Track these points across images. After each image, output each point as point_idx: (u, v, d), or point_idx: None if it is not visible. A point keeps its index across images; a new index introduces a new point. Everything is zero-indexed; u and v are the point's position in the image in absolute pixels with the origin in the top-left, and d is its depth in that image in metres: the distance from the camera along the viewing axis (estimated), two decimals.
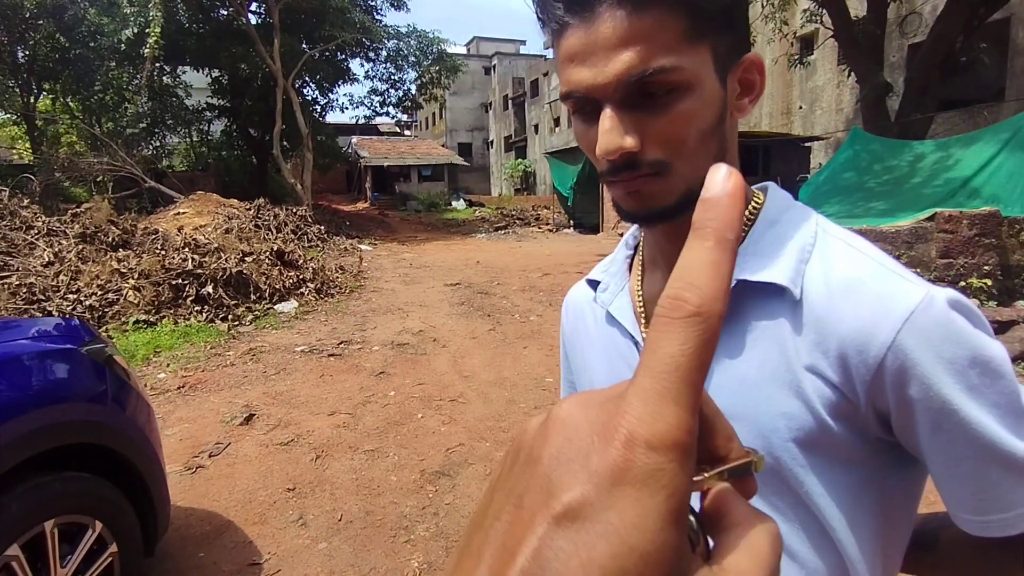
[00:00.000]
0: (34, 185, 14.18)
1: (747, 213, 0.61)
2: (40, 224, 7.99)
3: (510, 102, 37.40)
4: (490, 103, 41.03)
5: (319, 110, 23.60)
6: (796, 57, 12.79)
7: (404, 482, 3.19)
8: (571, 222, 20.30)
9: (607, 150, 0.52)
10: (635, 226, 0.73)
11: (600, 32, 0.51)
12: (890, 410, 0.51)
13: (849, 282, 0.53)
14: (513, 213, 23.98)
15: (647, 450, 0.18)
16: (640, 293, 0.68)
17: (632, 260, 0.72)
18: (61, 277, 6.62)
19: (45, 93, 20.27)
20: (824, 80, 16.02)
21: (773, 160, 14.72)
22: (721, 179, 0.21)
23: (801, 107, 16.93)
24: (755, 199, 0.62)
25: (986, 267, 5.60)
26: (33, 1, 16.59)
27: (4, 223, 7.66)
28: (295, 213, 13.98)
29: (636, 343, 0.65)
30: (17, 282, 6.32)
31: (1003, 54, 11.54)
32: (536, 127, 33.97)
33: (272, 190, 20.17)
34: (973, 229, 5.65)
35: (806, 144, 15.69)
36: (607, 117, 0.52)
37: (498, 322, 6.67)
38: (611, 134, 0.52)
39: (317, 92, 23.16)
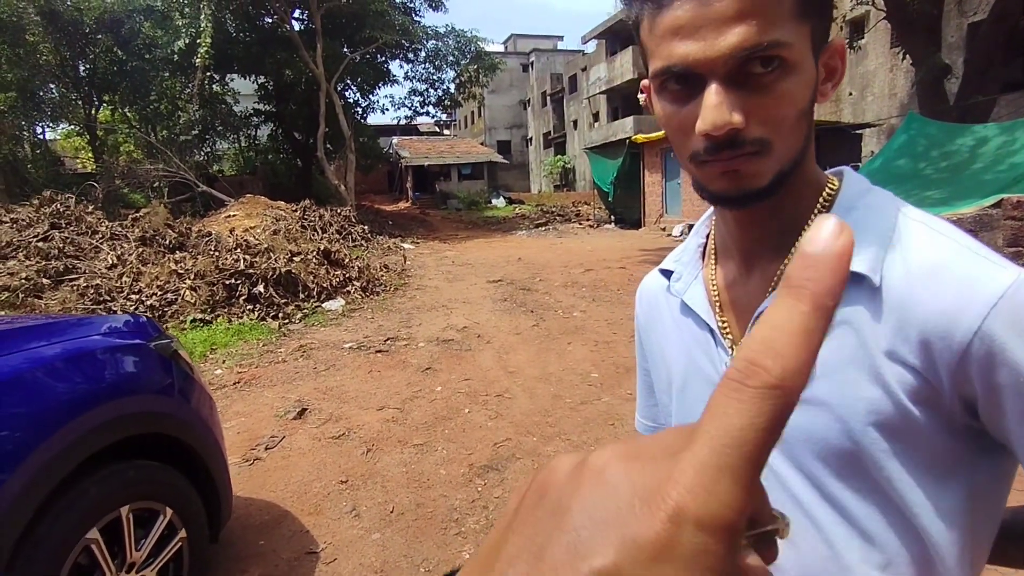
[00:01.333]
0: (97, 192, 14.95)
1: (821, 200, 0.60)
2: (104, 229, 8.41)
3: (548, 98, 37.26)
4: (528, 100, 40.93)
5: (361, 112, 24.12)
6: (846, 42, 12.32)
7: (453, 476, 3.23)
8: (612, 217, 20.09)
9: (716, 125, 0.51)
10: (706, 214, 0.73)
11: (714, 3, 0.50)
12: (977, 396, 0.50)
13: (931, 266, 0.51)
14: (553, 210, 23.87)
15: (695, 529, 0.16)
16: (714, 281, 0.68)
17: (704, 248, 0.72)
18: (124, 278, 6.95)
19: (105, 104, 21.37)
20: (876, 64, 15.38)
21: (821, 149, 14.18)
22: (829, 234, 0.18)
23: (851, 93, 16.30)
24: (829, 185, 0.61)
25: None
26: (92, 17, 17.48)
27: (72, 228, 8.09)
28: (339, 213, 14.30)
29: (712, 332, 0.66)
30: (85, 283, 6.68)
31: None
32: (575, 123, 33.74)
33: (317, 191, 20.71)
34: None
35: (857, 132, 15.10)
36: (714, 92, 0.51)
37: (541, 318, 6.67)
38: (719, 108, 0.51)
39: (358, 94, 23.68)
